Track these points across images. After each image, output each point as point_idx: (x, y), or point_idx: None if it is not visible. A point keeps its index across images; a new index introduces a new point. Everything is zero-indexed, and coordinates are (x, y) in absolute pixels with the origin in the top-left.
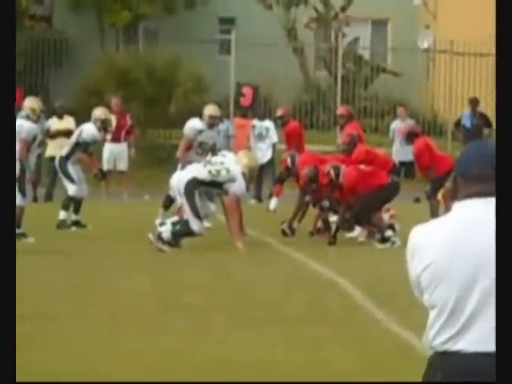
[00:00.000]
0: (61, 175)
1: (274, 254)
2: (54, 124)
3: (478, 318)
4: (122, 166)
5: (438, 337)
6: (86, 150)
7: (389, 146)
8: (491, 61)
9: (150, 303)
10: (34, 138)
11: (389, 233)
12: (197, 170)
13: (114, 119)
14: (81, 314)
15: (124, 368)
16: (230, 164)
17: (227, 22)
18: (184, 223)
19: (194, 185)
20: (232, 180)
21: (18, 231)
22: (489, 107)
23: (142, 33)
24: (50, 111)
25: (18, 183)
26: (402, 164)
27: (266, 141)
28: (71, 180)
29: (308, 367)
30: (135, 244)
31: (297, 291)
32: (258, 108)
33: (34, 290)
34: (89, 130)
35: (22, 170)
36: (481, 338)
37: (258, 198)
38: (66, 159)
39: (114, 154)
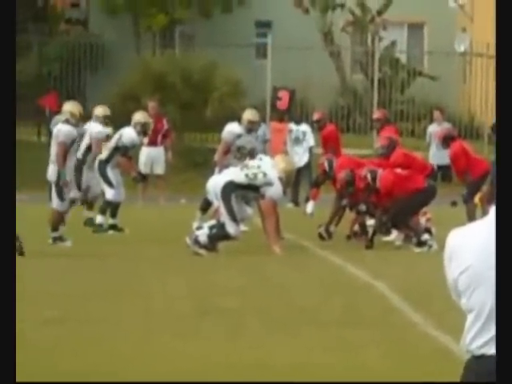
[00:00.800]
0: (100, 179)
1: (310, 257)
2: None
3: None
4: (159, 169)
5: (475, 341)
6: (126, 153)
7: (425, 150)
8: None
9: (186, 306)
10: (73, 142)
11: (425, 236)
12: (234, 173)
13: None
14: (116, 318)
15: (158, 372)
16: (267, 168)
17: (264, 26)
18: (220, 226)
19: (231, 188)
20: (268, 184)
21: (54, 234)
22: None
23: (178, 37)
24: (87, 116)
25: (55, 187)
26: (439, 168)
27: (302, 144)
28: (110, 184)
29: (344, 371)
30: (171, 247)
31: (333, 295)
32: (295, 112)
33: (68, 293)
34: (128, 134)
35: (58, 175)
36: None
37: (295, 202)
38: (105, 163)
39: (151, 157)
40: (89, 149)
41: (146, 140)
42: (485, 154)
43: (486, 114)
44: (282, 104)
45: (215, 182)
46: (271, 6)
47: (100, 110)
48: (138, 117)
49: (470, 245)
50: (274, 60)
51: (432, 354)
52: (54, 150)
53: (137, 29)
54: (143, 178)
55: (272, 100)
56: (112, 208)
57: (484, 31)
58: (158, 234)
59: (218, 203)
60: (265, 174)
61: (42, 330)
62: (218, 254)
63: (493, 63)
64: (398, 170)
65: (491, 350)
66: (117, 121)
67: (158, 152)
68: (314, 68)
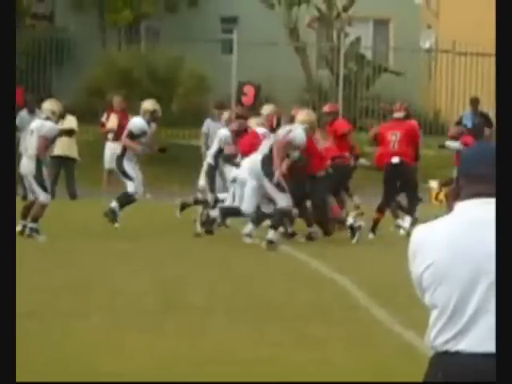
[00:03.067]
0: (119, 174)
1: (275, 253)
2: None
3: (479, 319)
4: None
5: (439, 337)
6: (138, 141)
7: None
8: (493, 61)
9: (151, 302)
10: (54, 138)
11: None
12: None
13: (115, 118)
14: (84, 312)
15: (124, 364)
16: None
17: (229, 22)
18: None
19: (270, 164)
20: None
21: (33, 225)
22: (490, 107)
23: (143, 32)
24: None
25: (36, 180)
26: None
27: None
28: (129, 178)
29: (308, 366)
30: (137, 243)
31: (298, 290)
32: (260, 107)
33: (39, 288)
34: (135, 122)
35: (39, 167)
36: (481, 338)
37: None
38: (121, 157)
39: (116, 153)
40: (220, 151)
41: (110, 136)
42: None
43: (451, 110)
44: (248, 99)
45: (253, 162)
46: (237, 1)
47: (147, 105)
48: (146, 105)
49: (434, 241)
50: (239, 55)
51: (395, 349)
52: (31, 143)
53: (102, 24)
54: (164, 149)
55: (237, 95)
56: (126, 201)
57: (449, 28)
58: (125, 229)
59: (253, 183)
60: None
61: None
62: (184, 249)
63: (458, 59)
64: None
65: (455, 347)
66: (82, 115)
67: None
68: (279, 63)
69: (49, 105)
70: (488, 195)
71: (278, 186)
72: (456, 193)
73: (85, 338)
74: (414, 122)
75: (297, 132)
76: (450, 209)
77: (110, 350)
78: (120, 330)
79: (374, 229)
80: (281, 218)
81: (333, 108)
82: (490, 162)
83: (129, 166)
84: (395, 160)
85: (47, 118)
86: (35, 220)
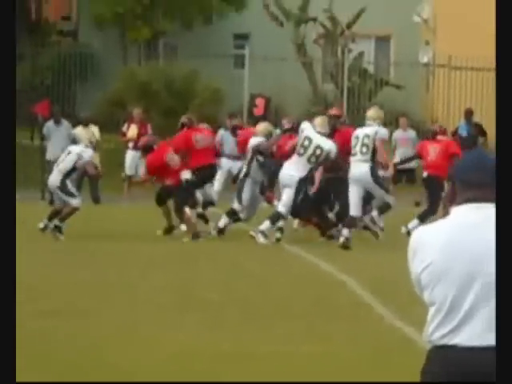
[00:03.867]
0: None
1: (285, 254)
2: (80, 132)
3: (474, 315)
4: (143, 171)
5: (436, 332)
6: None
7: (391, 154)
8: (486, 75)
9: (169, 299)
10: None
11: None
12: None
13: (135, 128)
14: (104, 309)
15: (142, 359)
16: None
17: (242, 38)
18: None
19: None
20: None
21: (59, 224)
22: (484, 118)
23: (162, 48)
24: (76, 121)
25: (62, 191)
26: (404, 171)
27: None
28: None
29: (315, 360)
30: (155, 244)
31: (306, 289)
32: (270, 118)
33: (61, 286)
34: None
35: (63, 180)
36: (476, 333)
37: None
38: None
39: (136, 160)
40: (251, 161)
41: (130, 144)
42: None
43: (447, 120)
44: (258, 110)
45: (359, 170)
46: (249, 19)
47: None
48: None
49: (432, 242)
50: (251, 70)
51: (396, 343)
52: (66, 161)
53: (123, 40)
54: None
55: (249, 107)
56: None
57: (446, 44)
58: (143, 231)
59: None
60: None
61: (38, 320)
62: (199, 249)
63: (453, 73)
64: None
65: (452, 341)
66: (104, 125)
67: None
68: (288, 77)
69: (86, 134)
70: (481, 200)
71: (383, 185)
72: (451, 197)
73: (104, 333)
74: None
75: (383, 130)
76: (446, 212)
77: (128, 344)
78: (139, 326)
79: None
80: (384, 212)
81: (338, 111)
82: (481, 168)
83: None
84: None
85: (86, 146)
86: (62, 220)
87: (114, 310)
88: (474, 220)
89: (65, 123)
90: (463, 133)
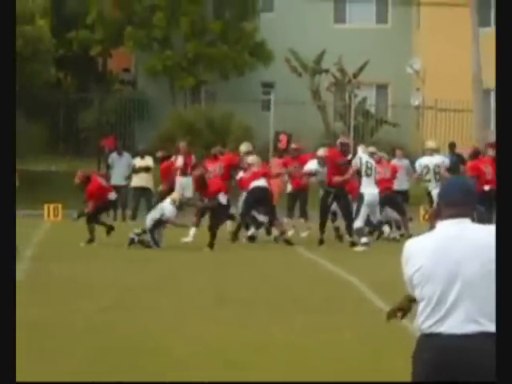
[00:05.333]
0: None
1: (298, 257)
2: (137, 162)
3: (457, 308)
4: (188, 193)
5: (425, 322)
6: None
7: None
8: (465, 115)
9: (208, 297)
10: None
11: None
12: None
13: (182, 159)
14: (155, 306)
15: (189, 348)
16: None
17: (268, 86)
18: None
19: None
20: None
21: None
22: (463, 149)
23: (203, 94)
24: (134, 153)
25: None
26: (400, 192)
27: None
28: None
29: (325, 348)
30: (195, 252)
31: (317, 288)
32: (291, 150)
33: (119, 287)
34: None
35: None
36: (457, 323)
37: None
38: None
39: (183, 184)
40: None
41: (178, 172)
42: None
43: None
44: (282, 145)
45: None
46: (273, 70)
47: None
48: (243, 148)
49: (422, 251)
50: (275, 112)
51: (392, 331)
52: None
53: (172, 88)
54: None
55: (274, 142)
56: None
57: (432, 90)
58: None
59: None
60: None
61: (99, 316)
62: (230, 257)
63: (439, 114)
64: None
65: (438, 329)
66: (156, 156)
67: (188, 180)
68: (305, 117)
69: (175, 195)
70: (461, 216)
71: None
72: (437, 214)
73: (157, 326)
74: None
75: (446, 160)
76: (432, 227)
77: (177, 336)
78: (185, 320)
79: None
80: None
81: (347, 139)
82: (462, 191)
83: None
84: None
85: (173, 203)
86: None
87: (165, 307)
88: (455, 232)
89: (126, 154)
90: (447, 161)
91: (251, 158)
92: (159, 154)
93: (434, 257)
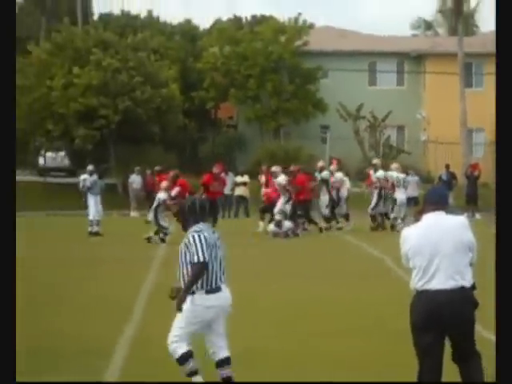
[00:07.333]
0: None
1: (340, 242)
2: (238, 179)
3: (438, 272)
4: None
5: (418, 283)
6: None
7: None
8: (457, 146)
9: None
10: None
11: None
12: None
13: (263, 177)
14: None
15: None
16: None
17: (325, 128)
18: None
19: None
20: None
21: None
22: (455, 169)
23: (282, 134)
24: (236, 173)
25: None
26: (412, 198)
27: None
28: None
29: (364, 306)
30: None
31: (354, 264)
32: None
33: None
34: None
35: None
36: (441, 281)
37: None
38: None
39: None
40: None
41: (263, 186)
42: None
43: (436, 172)
44: (334, 167)
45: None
46: (328, 117)
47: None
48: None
49: (413, 235)
50: (330, 145)
51: (406, 289)
52: None
53: (261, 130)
54: None
55: (329, 164)
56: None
57: (436, 130)
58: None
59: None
60: None
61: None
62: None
63: (439, 146)
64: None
65: (427, 287)
66: (251, 176)
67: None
68: (350, 149)
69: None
70: (438, 210)
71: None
72: (421, 211)
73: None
74: None
75: None
76: (418, 219)
77: None
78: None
79: None
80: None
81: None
82: (439, 194)
83: None
84: None
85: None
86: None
87: None
88: (435, 221)
89: (230, 174)
90: (444, 177)
91: (338, 175)
92: (157, 167)
93: (421, 238)
